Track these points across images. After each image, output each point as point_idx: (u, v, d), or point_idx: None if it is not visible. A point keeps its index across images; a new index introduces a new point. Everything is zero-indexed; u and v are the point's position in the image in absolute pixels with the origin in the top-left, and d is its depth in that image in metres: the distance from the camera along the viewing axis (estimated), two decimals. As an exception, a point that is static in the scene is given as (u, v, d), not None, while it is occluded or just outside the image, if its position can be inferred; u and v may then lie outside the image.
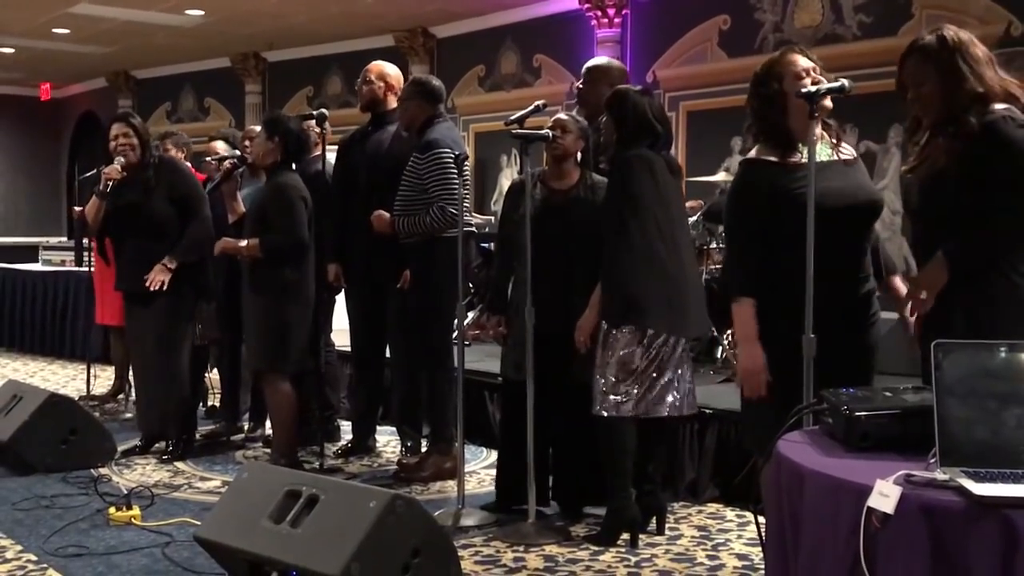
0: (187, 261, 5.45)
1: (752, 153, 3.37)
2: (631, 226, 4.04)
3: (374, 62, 5.70)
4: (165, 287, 5.35)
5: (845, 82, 3.21)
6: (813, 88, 3.13)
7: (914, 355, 3.07)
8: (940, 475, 2.00)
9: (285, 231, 5.03)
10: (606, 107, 4.31)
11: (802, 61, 3.32)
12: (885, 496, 1.93)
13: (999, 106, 2.84)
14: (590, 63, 5.10)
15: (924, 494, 1.94)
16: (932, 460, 2.06)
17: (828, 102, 3.27)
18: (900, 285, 3.41)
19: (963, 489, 1.92)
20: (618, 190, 4.12)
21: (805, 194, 3.11)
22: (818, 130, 3.31)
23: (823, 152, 3.33)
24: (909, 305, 3.06)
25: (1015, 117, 2.82)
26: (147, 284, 5.32)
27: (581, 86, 4.98)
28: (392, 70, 5.66)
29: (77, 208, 6.97)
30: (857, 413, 2.28)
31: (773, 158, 3.29)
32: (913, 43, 2.97)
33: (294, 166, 5.27)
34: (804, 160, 3.16)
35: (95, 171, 5.77)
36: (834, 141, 3.36)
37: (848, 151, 3.40)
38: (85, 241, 7.64)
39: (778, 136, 3.28)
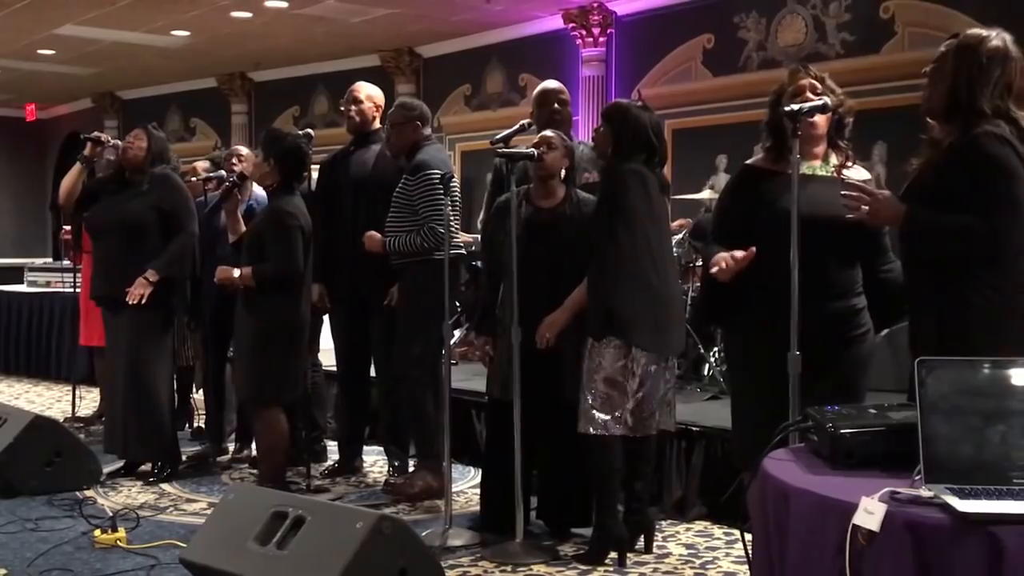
0: (169, 275, 5.41)
1: (753, 159, 3.48)
2: (621, 240, 4.04)
3: (358, 83, 5.71)
4: (144, 300, 5.29)
5: (827, 100, 3.26)
6: (795, 107, 3.16)
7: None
8: (925, 492, 2.00)
9: (280, 260, 4.94)
10: (604, 118, 4.32)
11: (802, 80, 3.37)
12: (870, 513, 1.94)
13: (988, 125, 2.83)
14: (541, 87, 5.14)
15: (909, 511, 1.94)
16: (917, 477, 2.07)
17: (819, 126, 3.31)
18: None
19: (948, 506, 1.93)
20: (611, 203, 4.12)
21: (777, 200, 3.22)
22: (820, 148, 3.36)
23: (821, 168, 3.37)
24: None
25: (997, 132, 2.80)
26: (127, 299, 5.27)
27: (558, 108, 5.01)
28: (377, 91, 5.68)
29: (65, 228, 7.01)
30: (842, 431, 2.29)
31: (769, 165, 3.39)
32: (955, 35, 2.95)
33: (296, 185, 5.16)
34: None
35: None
36: (839, 162, 3.38)
37: (856, 174, 3.39)
38: (68, 263, 7.63)
39: (779, 150, 3.35)
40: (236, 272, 4.99)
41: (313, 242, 5.13)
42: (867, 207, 2.95)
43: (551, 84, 5.17)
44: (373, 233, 5.16)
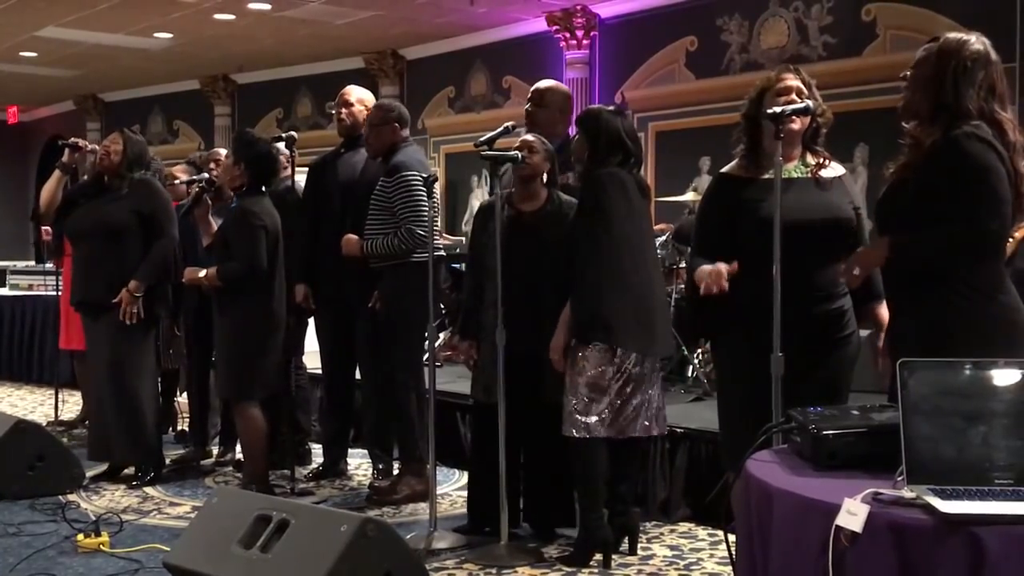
0: (151, 283, 5.40)
1: (727, 167, 3.46)
2: (602, 243, 4.05)
3: (349, 87, 5.71)
4: (141, 314, 5.27)
5: (810, 103, 3.27)
6: (778, 109, 3.17)
7: (881, 373, 3.09)
8: (907, 493, 2.01)
9: (242, 259, 4.99)
10: (578, 124, 4.33)
11: (790, 80, 3.36)
12: (853, 514, 1.94)
13: (967, 126, 2.84)
14: (542, 86, 5.08)
15: (892, 512, 1.95)
16: (899, 478, 2.07)
17: (796, 124, 3.31)
18: (882, 313, 3.34)
19: (930, 507, 1.94)
20: (589, 207, 4.13)
21: (758, 207, 3.23)
22: (796, 150, 3.37)
23: (796, 171, 3.37)
24: (882, 336, 3.18)
25: (977, 132, 2.81)
26: (122, 318, 5.27)
27: (531, 108, 4.97)
28: (368, 94, 5.68)
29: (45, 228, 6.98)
30: (824, 432, 2.29)
31: (743, 173, 3.38)
32: (935, 38, 2.97)
33: (265, 188, 5.21)
34: (770, 176, 3.20)
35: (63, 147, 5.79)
36: (816, 162, 3.39)
37: (831, 173, 3.41)
38: (50, 265, 7.60)
39: (753, 153, 3.35)
40: (202, 273, 5.04)
41: (284, 242, 5.15)
42: (856, 270, 2.96)
43: (545, 84, 5.16)
44: (351, 236, 5.16)
